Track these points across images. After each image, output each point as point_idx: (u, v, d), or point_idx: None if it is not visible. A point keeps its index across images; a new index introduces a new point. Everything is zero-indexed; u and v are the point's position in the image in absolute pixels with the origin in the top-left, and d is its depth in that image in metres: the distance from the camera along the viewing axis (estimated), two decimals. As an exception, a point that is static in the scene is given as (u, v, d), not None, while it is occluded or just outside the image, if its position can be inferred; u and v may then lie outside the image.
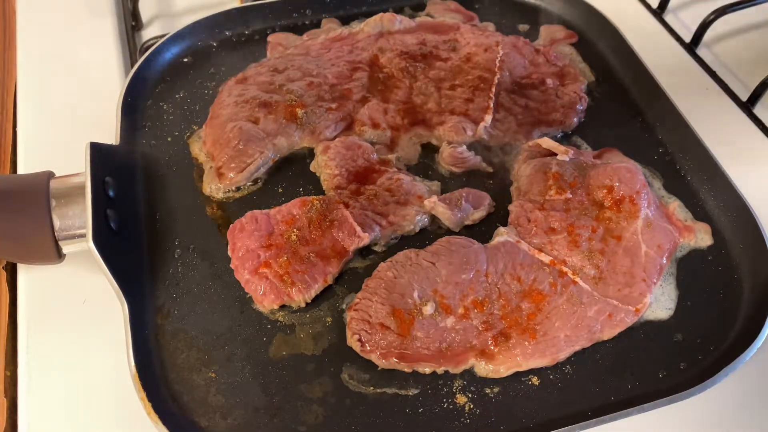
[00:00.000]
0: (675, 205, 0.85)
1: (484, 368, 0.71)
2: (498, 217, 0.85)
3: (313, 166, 0.88)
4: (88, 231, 0.70)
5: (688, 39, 1.12)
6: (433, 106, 0.94)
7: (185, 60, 1.01)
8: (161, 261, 0.78)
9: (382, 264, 0.77)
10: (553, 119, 0.94)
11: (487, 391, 0.70)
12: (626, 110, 0.98)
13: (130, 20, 1.10)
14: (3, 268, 0.81)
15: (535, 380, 0.71)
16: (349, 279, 0.78)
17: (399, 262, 0.76)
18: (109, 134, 0.85)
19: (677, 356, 0.73)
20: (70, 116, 0.96)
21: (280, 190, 0.87)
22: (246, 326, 0.74)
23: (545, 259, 0.77)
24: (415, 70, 0.98)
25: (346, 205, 0.80)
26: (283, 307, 0.75)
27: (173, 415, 0.66)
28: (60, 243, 0.73)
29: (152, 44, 1.00)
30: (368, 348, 0.71)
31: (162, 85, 0.97)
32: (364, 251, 0.80)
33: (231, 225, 0.80)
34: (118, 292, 0.70)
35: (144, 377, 0.66)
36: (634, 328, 0.75)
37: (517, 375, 0.71)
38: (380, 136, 0.91)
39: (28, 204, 0.72)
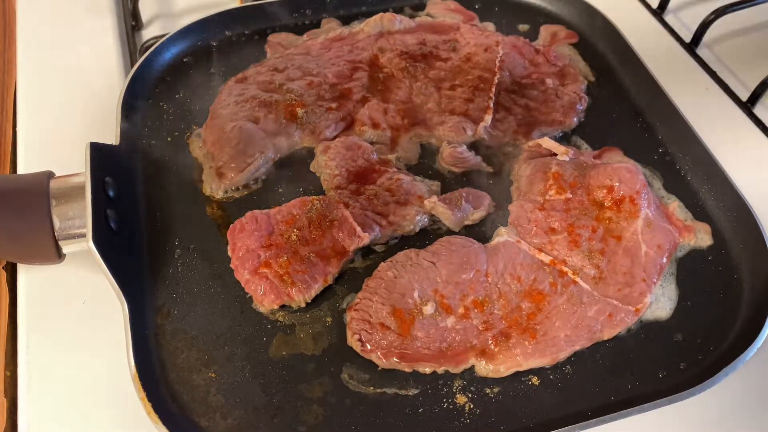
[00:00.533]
0: (675, 205, 0.85)
1: (484, 368, 0.71)
2: (498, 217, 0.85)
3: (313, 166, 0.88)
4: (88, 231, 0.70)
5: (688, 39, 1.12)
6: (433, 106, 0.94)
7: (185, 60, 1.01)
8: (161, 261, 0.78)
9: (382, 264, 0.77)
10: (553, 119, 0.94)
11: (487, 391, 0.70)
12: (626, 110, 0.98)
13: (130, 20, 1.10)
14: (3, 268, 0.81)
15: (535, 380, 0.71)
16: (349, 279, 0.78)
17: (399, 262, 0.76)
18: (109, 134, 0.85)
19: (677, 356, 0.73)
20: (70, 116, 0.96)
21: (280, 190, 0.87)
22: (246, 326, 0.74)
23: (545, 259, 0.77)
24: (415, 70, 0.98)
25: (346, 205, 0.80)
26: (283, 307, 0.75)
27: (173, 415, 0.66)
28: (60, 243, 0.73)
29: (152, 44, 1.00)
30: (369, 348, 0.71)
31: (162, 85, 0.97)
32: (364, 251, 0.80)
33: (231, 225, 0.80)
34: (118, 292, 0.70)
35: (144, 377, 0.66)
36: (634, 328, 0.75)
37: (517, 375, 0.71)
38: (380, 136, 0.91)
39: (28, 204, 0.72)
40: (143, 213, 0.82)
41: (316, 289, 0.76)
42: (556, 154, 0.87)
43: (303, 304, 0.75)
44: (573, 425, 0.66)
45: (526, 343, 0.71)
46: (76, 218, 0.73)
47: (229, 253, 0.78)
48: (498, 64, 0.99)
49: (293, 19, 1.09)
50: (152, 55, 0.98)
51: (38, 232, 0.72)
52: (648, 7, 1.19)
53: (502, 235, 0.80)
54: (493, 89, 0.96)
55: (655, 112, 0.96)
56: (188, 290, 0.76)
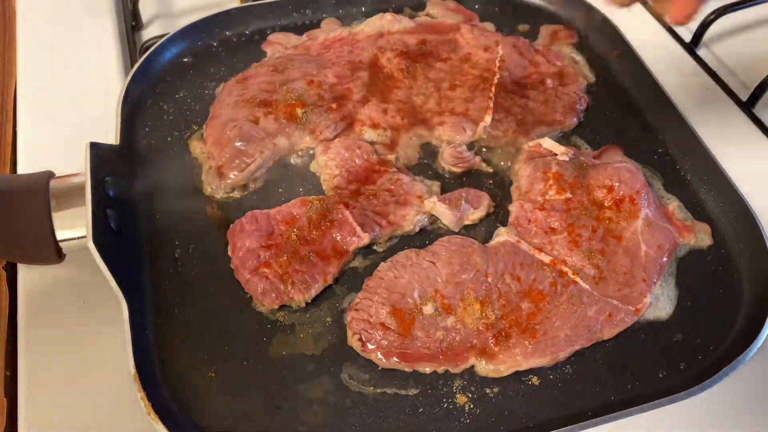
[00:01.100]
0: (675, 205, 0.85)
1: (484, 368, 0.71)
2: (498, 217, 0.85)
3: (313, 166, 0.88)
4: (88, 231, 0.70)
5: (688, 39, 1.12)
6: (432, 106, 0.94)
7: (185, 60, 1.01)
8: (161, 261, 0.78)
9: (382, 264, 0.77)
10: (553, 119, 0.94)
11: (487, 391, 0.70)
12: (626, 110, 0.98)
13: (130, 20, 1.10)
14: (3, 268, 0.81)
15: (535, 380, 0.71)
16: (349, 279, 0.78)
17: (399, 262, 0.76)
18: (109, 134, 0.85)
19: (677, 356, 0.73)
20: (70, 116, 0.96)
21: (280, 190, 0.87)
22: (246, 326, 0.74)
23: (545, 259, 0.77)
24: (415, 70, 0.98)
25: (346, 205, 0.80)
26: (283, 307, 0.75)
27: (173, 415, 0.66)
28: (60, 243, 0.73)
29: (152, 44, 1.00)
30: (369, 348, 0.71)
31: (162, 85, 0.97)
32: (364, 251, 0.80)
33: (231, 225, 0.80)
34: (118, 292, 0.70)
35: (144, 377, 0.66)
36: (634, 328, 0.75)
37: (517, 375, 0.71)
38: (380, 136, 0.91)
39: (28, 204, 0.72)
40: (143, 213, 0.82)
41: (316, 289, 0.76)
42: (556, 154, 0.87)
43: (303, 304, 0.75)
44: (573, 425, 0.66)
45: (526, 342, 0.71)
46: (76, 218, 0.72)
47: (229, 253, 0.78)
48: (498, 64, 0.99)
49: (293, 19, 1.09)
50: (152, 55, 0.97)
51: (38, 232, 0.72)
52: (648, 7, 1.19)
53: (502, 235, 0.80)
54: (493, 89, 0.96)
55: (655, 112, 0.96)
56: (188, 290, 0.76)
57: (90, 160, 0.75)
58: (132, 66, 0.96)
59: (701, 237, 0.83)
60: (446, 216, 0.82)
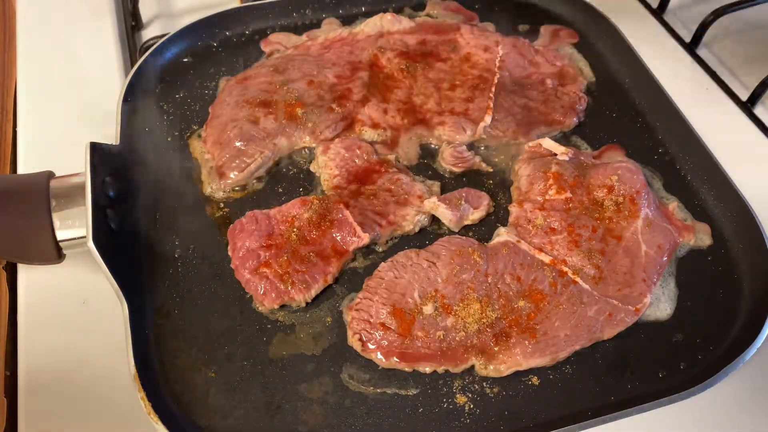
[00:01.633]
0: (675, 205, 0.85)
1: (484, 368, 0.71)
2: (498, 217, 0.85)
3: (313, 166, 0.88)
4: (88, 231, 0.70)
5: (688, 39, 1.12)
6: (432, 106, 0.94)
7: (185, 60, 1.01)
8: (161, 261, 0.78)
9: (382, 264, 0.77)
10: (553, 119, 0.94)
11: (487, 391, 0.70)
12: (626, 110, 0.98)
13: (130, 20, 1.10)
14: (3, 268, 0.81)
15: (535, 380, 0.71)
16: (349, 279, 0.78)
17: (399, 262, 0.76)
18: (109, 134, 0.85)
19: (677, 356, 0.73)
20: (70, 116, 0.96)
21: (280, 190, 0.87)
22: (246, 326, 0.74)
23: (545, 259, 0.77)
24: (415, 70, 0.98)
25: (346, 205, 0.80)
26: (283, 307, 0.75)
27: (173, 415, 0.66)
28: (60, 243, 0.73)
29: (152, 44, 1.00)
30: (369, 347, 0.71)
31: (162, 85, 0.97)
32: (365, 251, 0.80)
33: (231, 225, 0.80)
34: (118, 292, 0.70)
35: (144, 377, 0.66)
36: (634, 328, 0.75)
37: (517, 375, 0.71)
38: (380, 136, 0.91)
39: (28, 204, 0.72)
40: (143, 213, 0.82)
41: (316, 289, 0.76)
42: (556, 154, 0.87)
43: (303, 304, 0.75)
44: (573, 425, 0.66)
45: (526, 342, 0.71)
46: (76, 218, 0.72)
47: (229, 253, 0.78)
48: (498, 64, 0.99)
49: (293, 19, 1.09)
50: (152, 55, 0.98)
51: (38, 232, 0.72)
52: (648, 7, 1.19)
53: (502, 235, 0.80)
54: (493, 89, 0.96)
55: (655, 112, 0.96)
56: (188, 290, 0.76)
57: (90, 160, 0.75)
58: (132, 66, 0.96)
59: (701, 237, 0.83)
60: (446, 216, 0.82)
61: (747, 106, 1.01)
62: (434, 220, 0.83)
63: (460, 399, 0.69)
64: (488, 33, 1.05)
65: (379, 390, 0.70)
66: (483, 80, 0.97)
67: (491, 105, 0.94)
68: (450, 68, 0.99)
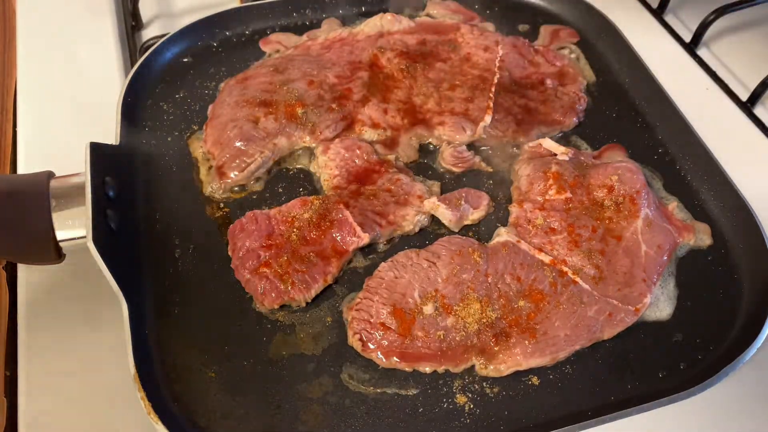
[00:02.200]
0: (675, 205, 0.85)
1: (484, 367, 0.71)
2: (498, 217, 0.85)
3: (313, 166, 0.88)
4: (88, 231, 0.70)
5: (688, 39, 1.12)
6: (432, 106, 0.94)
7: (185, 60, 1.01)
8: (161, 261, 0.78)
9: (383, 264, 0.77)
10: (553, 119, 0.94)
11: (487, 391, 0.70)
12: (626, 110, 0.98)
13: (130, 20, 1.10)
14: (3, 268, 0.81)
15: (535, 380, 0.71)
16: (349, 279, 0.78)
17: (400, 262, 0.76)
18: (109, 134, 0.85)
19: (677, 356, 0.73)
20: (70, 116, 0.96)
21: (280, 190, 0.87)
22: (246, 326, 0.74)
23: (545, 258, 0.77)
24: (415, 70, 0.98)
25: (346, 205, 0.80)
26: (283, 307, 0.75)
27: (173, 415, 0.66)
28: (60, 243, 0.73)
29: (152, 44, 1.00)
30: (370, 347, 0.71)
31: (162, 85, 0.97)
32: (365, 251, 0.80)
33: (231, 225, 0.80)
34: (118, 292, 0.70)
35: (144, 377, 0.66)
36: (634, 328, 0.75)
37: (517, 375, 0.71)
38: (380, 136, 0.91)
39: (28, 204, 0.72)
40: (143, 213, 0.82)
41: (316, 288, 0.76)
42: (556, 154, 0.87)
43: (303, 304, 0.75)
44: (573, 425, 0.66)
45: (526, 342, 0.71)
46: (76, 218, 0.72)
47: (229, 253, 0.78)
48: (498, 64, 0.99)
49: (293, 19, 1.09)
50: (152, 55, 0.98)
51: (38, 232, 0.72)
52: (648, 7, 1.19)
53: (502, 235, 0.80)
54: (493, 89, 0.96)
55: (655, 112, 0.96)
56: (188, 290, 0.76)
57: (90, 160, 0.75)
58: (132, 66, 0.96)
59: (701, 237, 0.83)
60: (446, 216, 0.82)
61: (747, 106, 1.02)
62: (434, 220, 0.83)
63: (460, 399, 0.69)
64: (488, 33, 1.05)
65: (379, 390, 0.70)
66: (483, 80, 0.97)
67: (491, 105, 0.94)
68: (450, 68, 0.99)
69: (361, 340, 0.71)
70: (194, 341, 0.72)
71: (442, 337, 0.72)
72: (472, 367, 0.71)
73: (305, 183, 0.87)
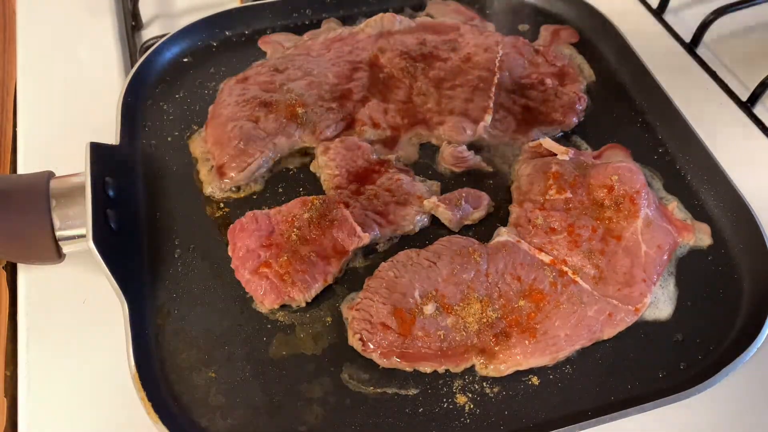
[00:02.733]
0: (675, 205, 0.85)
1: (484, 367, 0.71)
2: (498, 217, 0.85)
3: (313, 166, 0.88)
4: (88, 231, 0.70)
5: (688, 39, 1.12)
6: (433, 106, 0.94)
7: (185, 60, 1.01)
8: (161, 261, 0.78)
9: (383, 264, 0.77)
10: (553, 119, 0.94)
11: (487, 391, 0.70)
12: (626, 110, 0.98)
13: (130, 20, 1.10)
14: (3, 268, 0.81)
15: (535, 380, 0.71)
16: (349, 279, 0.78)
17: (400, 262, 0.76)
18: (109, 134, 0.85)
19: (677, 356, 0.73)
20: (70, 116, 0.96)
21: (280, 190, 0.87)
22: (246, 326, 0.74)
23: (545, 258, 0.77)
24: (415, 70, 0.98)
25: (346, 205, 0.80)
26: (283, 306, 0.75)
27: (173, 415, 0.66)
28: (60, 243, 0.73)
29: (152, 44, 1.00)
30: (370, 347, 0.71)
31: (162, 85, 0.97)
32: (365, 251, 0.80)
33: (231, 225, 0.80)
34: (118, 292, 0.70)
35: (144, 377, 0.66)
36: (634, 328, 0.75)
37: (517, 375, 0.71)
38: (380, 136, 0.91)
39: (28, 204, 0.72)
40: (143, 213, 0.82)
41: (316, 288, 0.76)
42: (556, 154, 0.87)
43: (303, 304, 0.75)
44: (573, 425, 0.66)
45: (527, 342, 0.71)
46: (76, 218, 0.72)
47: (229, 253, 0.78)
48: (498, 64, 0.99)
49: (293, 19, 1.09)
50: (152, 55, 0.98)
51: (38, 232, 0.72)
52: (648, 7, 1.19)
53: (502, 235, 0.80)
54: (493, 89, 0.96)
55: (655, 112, 0.96)
56: (188, 290, 0.76)
57: (90, 160, 0.75)
58: (132, 66, 0.96)
59: (701, 237, 0.83)
60: (446, 216, 0.82)
61: (747, 106, 1.01)
62: (434, 220, 0.83)
63: (460, 399, 0.69)
64: (488, 33, 1.05)
65: (379, 390, 0.70)
66: (483, 80, 0.97)
67: (491, 105, 0.94)
68: (450, 68, 0.99)
69: (361, 339, 0.71)
70: (194, 341, 0.72)
71: (442, 336, 0.72)
72: (473, 366, 0.71)
73: (305, 183, 0.87)
